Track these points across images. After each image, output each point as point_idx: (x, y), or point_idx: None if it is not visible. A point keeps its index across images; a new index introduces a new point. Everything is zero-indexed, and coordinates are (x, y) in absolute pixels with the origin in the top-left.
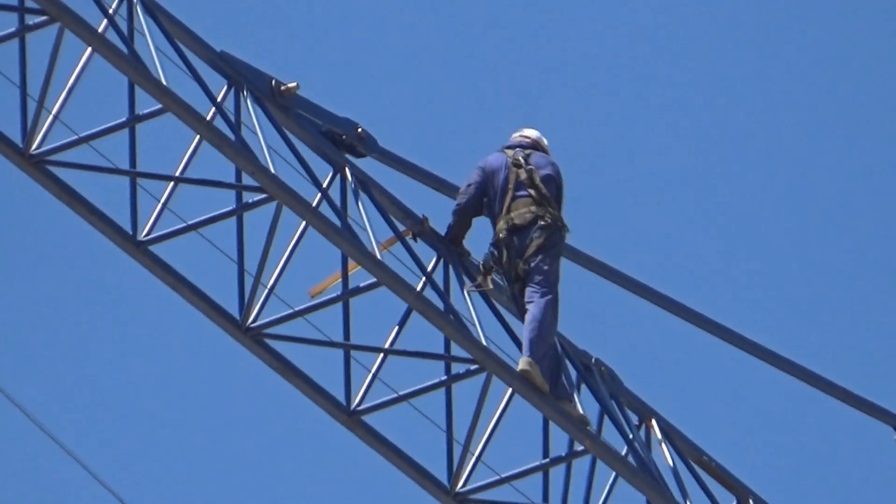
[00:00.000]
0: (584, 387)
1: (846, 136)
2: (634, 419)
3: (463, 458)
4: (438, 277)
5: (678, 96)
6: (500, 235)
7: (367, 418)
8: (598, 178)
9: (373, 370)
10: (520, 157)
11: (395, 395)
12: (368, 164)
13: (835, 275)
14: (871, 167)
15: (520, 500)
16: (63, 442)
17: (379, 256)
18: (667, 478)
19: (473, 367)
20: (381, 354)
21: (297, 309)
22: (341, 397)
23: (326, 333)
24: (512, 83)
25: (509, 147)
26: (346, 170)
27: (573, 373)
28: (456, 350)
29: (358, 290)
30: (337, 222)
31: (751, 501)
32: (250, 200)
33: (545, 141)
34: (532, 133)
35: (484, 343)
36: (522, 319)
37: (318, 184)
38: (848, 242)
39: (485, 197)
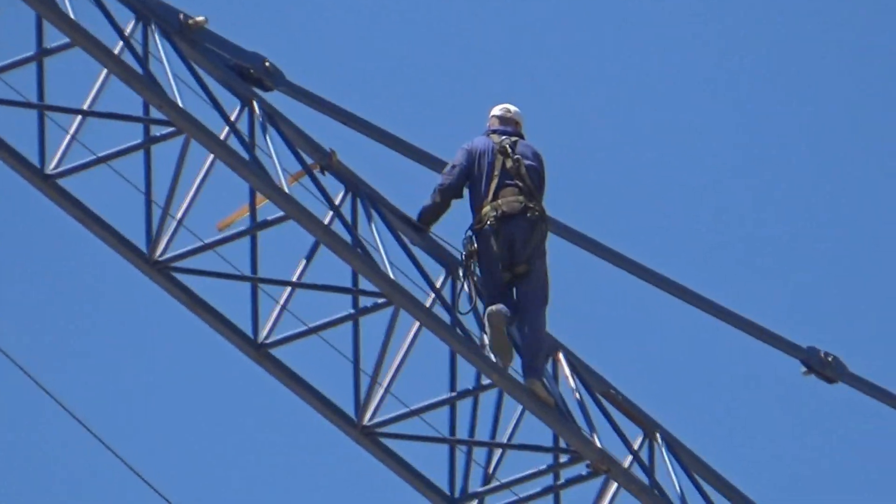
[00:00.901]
0: None
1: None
2: None
3: (371, 391)
4: (346, 211)
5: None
6: (488, 221)
7: (275, 351)
8: None
9: (281, 303)
10: (506, 145)
11: (304, 329)
12: (277, 98)
13: (740, 207)
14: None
15: (427, 432)
16: None
17: (287, 190)
18: (574, 411)
19: (381, 300)
20: (289, 288)
21: (205, 242)
22: (249, 331)
23: (235, 266)
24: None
25: (494, 132)
26: (254, 103)
27: (481, 306)
28: (364, 284)
29: (266, 224)
30: (245, 156)
31: (657, 435)
32: (158, 134)
33: (522, 118)
34: (513, 109)
35: (391, 277)
36: (508, 307)
37: (225, 117)
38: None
39: (468, 180)
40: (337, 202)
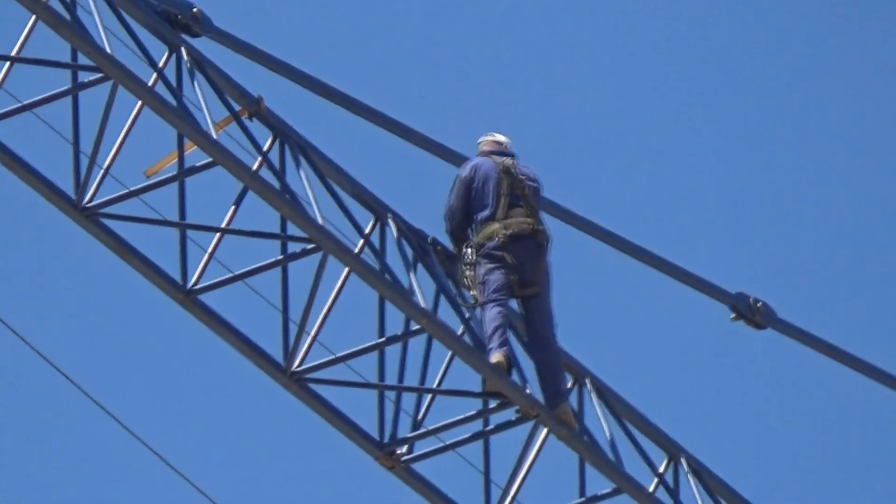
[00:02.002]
0: (420, 266)
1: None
2: (470, 298)
3: (298, 337)
4: (274, 158)
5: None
6: (499, 240)
7: (203, 297)
8: None
9: (209, 249)
10: (509, 166)
11: (232, 275)
12: (204, 45)
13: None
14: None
15: (356, 378)
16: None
17: (214, 136)
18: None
19: (309, 246)
20: (218, 234)
21: (132, 189)
22: (177, 277)
23: (162, 213)
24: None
25: (492, 153)
26: (182, 49)
27: (409, 252)
28: (292, 230)
29: (193, 170)
30: (172, 102)
31: (587, 381)
32: (86, 80)
33: (512, 144)
34: (503, 139)
35: (320, 222)
36: (523, 322)
37: (153, 63)
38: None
39: (468, 204)
40: (265, 149)
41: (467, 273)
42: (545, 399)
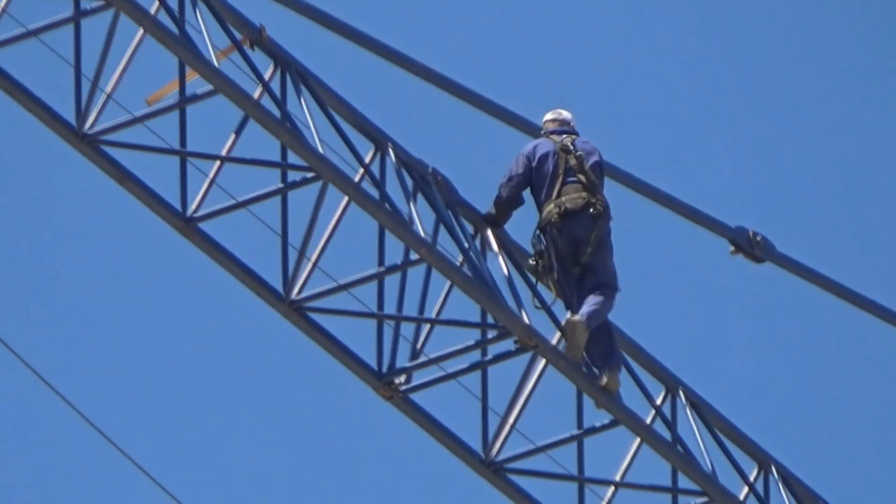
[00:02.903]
0: (420, 197)
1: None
2: (470, 229)
3: (298, 265)
4: (275, 87)
5: None
6: (552, 219)
7: (203, 225)
8: None
9: (210, 177)
10: (568, 143)
11: (232, 202)
12: None
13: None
14: None
15: (355, 307)
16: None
17: (216, 64)
18: (501, 286)
19: (310, 175)
20: (218, 162)
21: (134, 115)
22: (177, 204)
23: (164, 140)
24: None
25: (553, 132)
26: None
27: (409, 182)
28: (293, 159)
29: (195, 98)
30: (175, 30)
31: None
32: (89, 7)
33: (574, 119)
34: (565, 113)
35: (320, 151)
36: (570, 307)
37: None
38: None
39: (528, 186)
40: (266, 78)
41: (540, 265)
42: (594, 363)
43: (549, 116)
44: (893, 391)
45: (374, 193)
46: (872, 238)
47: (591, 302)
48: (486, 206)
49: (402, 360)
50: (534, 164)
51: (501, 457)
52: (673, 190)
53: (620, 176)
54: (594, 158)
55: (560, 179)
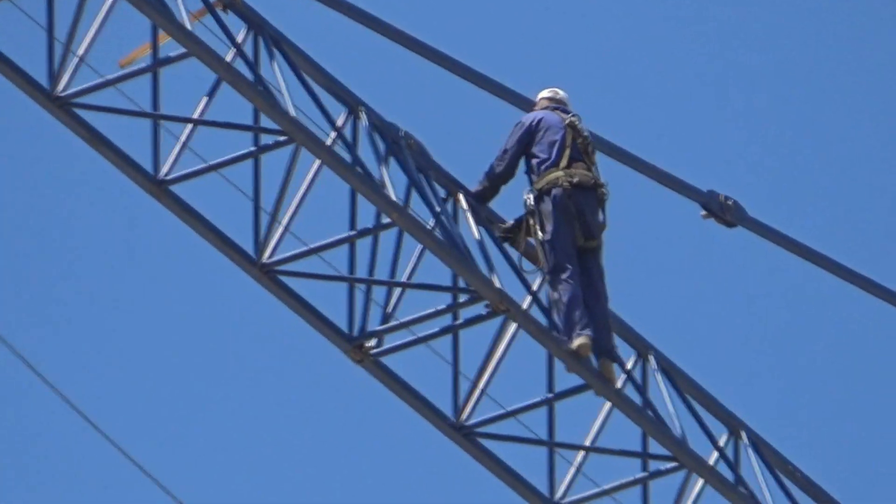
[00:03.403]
0: (392, 160)
1: None
2: (442, 193)
3: (270, 229)
4: (249, 50)
5: None
6: (562, 184)
7: (175, 188)
8: None
9: (182, 140)
10: (576, 122)
11: (204, 165)
12: None
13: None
14: None
15: (327, 271)
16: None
17: (189, 27)
18: (474, 252)
19: (282, 138)
20: (191, 125)
21: (106, 78)
22: (149, 167)
23: (136, 103)
24: None
25: (556, 108)
26: None
27: (381, 146)
28: (266, 122)
29: (168, 61)
30: None
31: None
32: None
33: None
34: (562, 92)
35: (293, 114)
36: (558, 271)
37: None
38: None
39: (524, 156)
40: (239, 41)
41: (531, 222)
42: (594, 351)
43: (545, 94)
44: (864, 355)
45: (347, 157)
46: (843, 203)
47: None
48: (458, 170)
49: (374, 324)
50: (537, 131)
51: (472, 421)
52: (644, 154)
53: (592, 139)
54: (593, 146)
55: (568, 152)
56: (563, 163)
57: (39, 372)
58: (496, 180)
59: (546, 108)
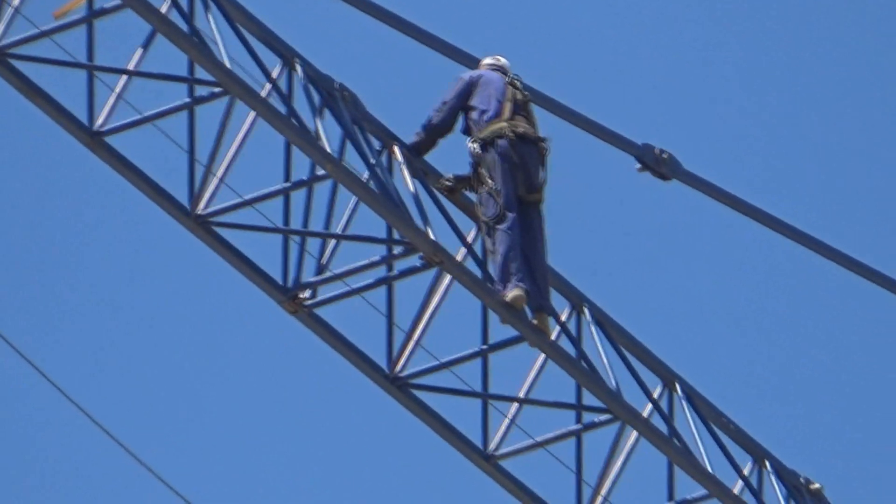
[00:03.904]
0: (327, 112)
1: None
2: (377, 145)
3: (205, 180)
4: (184, 1)
5: None
6: (507, 134)
7: (110, 139)
8: None
9: (117, 91)
10: (515, 81)
11: (139, 117)
12: None
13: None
14: None
15: (261, 222)
16: None
17: None
18: (409, 204)
19: (217, 90)
20: (125, 76)
21: (41, 30)
22: (84, 119)
23: (71, 54)
24: None
25: (497, 68)
26: None
27: (316, 98)
28: (200, 73)
29: (103, 12)
30: None
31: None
32: None
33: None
34: (505, 61)
35: (228, 66)
36: (498, 221)
37: None
38: None
39: (459, 112)
40: None
41: (481, 170)
42: (530, 304)
43: (487, 60)
44: (798, 306)
45: (282, 109)
46: (776, 154)
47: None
48: (392, 122)
49: (308, 276)
50: (477, 86)
51: (406, 372)
52: (579, 106)
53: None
54: (531, 101)
55: (510, 106)
56: (506, 114)
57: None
58: (433, 132)
59: (487, 66)
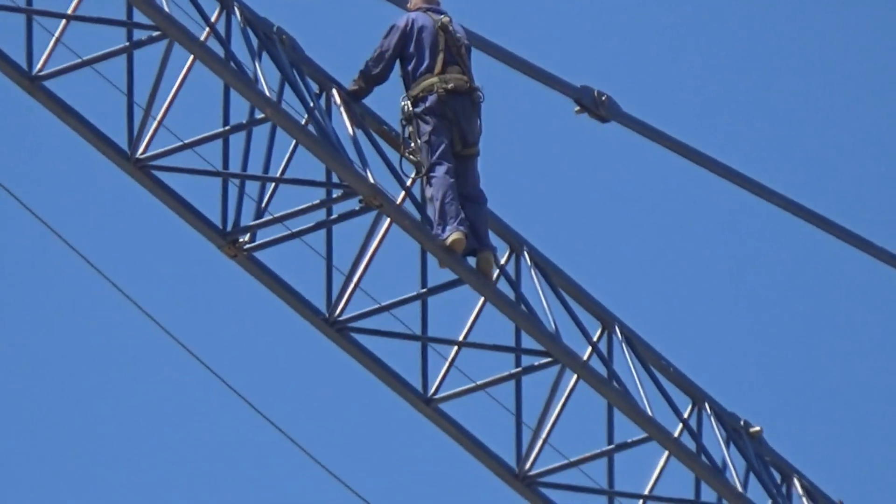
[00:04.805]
0: (265, 56)
1: None
2: (315, 88)
3: (143, 123)
4: None
5: None
6: (438, 91)
7: (48, 83)
8: None
9: (56, 35)
10: (447, 23)
11: (78, 61)
12: None
13: None
14: None
15: (201, 165)
16: None
17: None
18: (348, 148)
19: (155, 33)
20: (63, 21)
21: None
22: (23, 63)
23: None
24: None
25: (428, 10)
26: None
27: (254, 41)
28: (139, 17)
29: None
30: None
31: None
32: None
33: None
34: None
35: (166, 9)
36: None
37: None
38: None
39: (396, 61)
40: None
41: (410, 129)
42: (473, 246)
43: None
44: (737, 249)
45: (220, 52)
46: (716, 96)
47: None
48: (331, 66)
49: (247, 219)
50: (410, 35)
51: (345, 316)
52: (517, 48)
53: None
54: (466, 42)
55: (442, 56)
56: (438, 68)
57: None
58: (371, 81)
59: (419, 8)
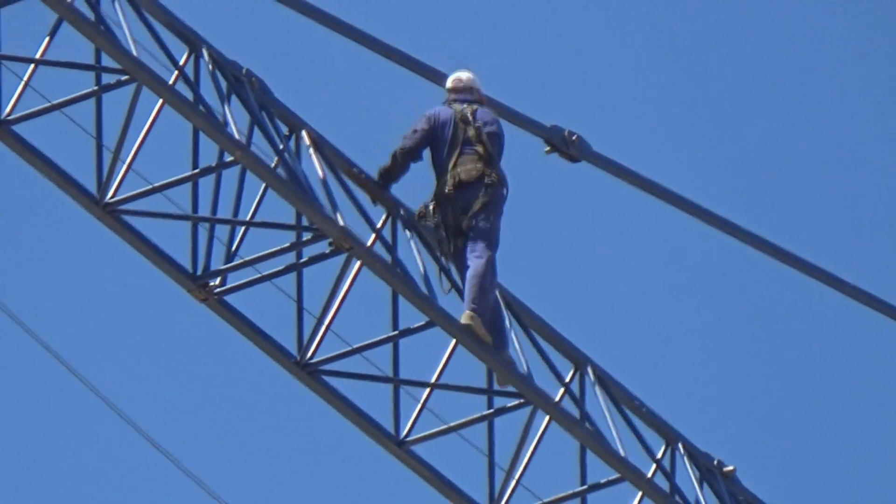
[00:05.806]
0: (234, 99)
1: None
2: (285, 131)
3: (112, 168)
4: None
5: None
6: (446, 190)
7: (16, 128)
8: None
9: (25, 79)
10: (468, 113)
11: (46, 105)
12: None
13: None
14: None
15: (170, 209)
16: None
17: None
18: (317, 190)
19: (124, 77)
20: (32, 65)
21: None
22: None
23: None
24: None
25: (455, 101)
26: None
27: (223, 84)
28: (107, 61)
29: (7, 1)
30: None
31: (402, 211)
32: None
33: (478, 81)
34: (465, 76)
35: (134, 53)
36: (461, 274)
37: None
38: None
39: (428, 146)
40: None
41: (423, 223)
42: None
43: (449, 84)
44: (708, 289)
45: (189, 95)
46: (687, 135)
47: (470, 283)
48: (301, 108)
49: (217, 263)
50: (435, 133)
51: (316, 358)
52: (488, 89)
53: (429, 71)
54: (491, 128)
55: (458, 150)
56: (452, 163)
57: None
58: (405, 157)
59: (451, 99)
